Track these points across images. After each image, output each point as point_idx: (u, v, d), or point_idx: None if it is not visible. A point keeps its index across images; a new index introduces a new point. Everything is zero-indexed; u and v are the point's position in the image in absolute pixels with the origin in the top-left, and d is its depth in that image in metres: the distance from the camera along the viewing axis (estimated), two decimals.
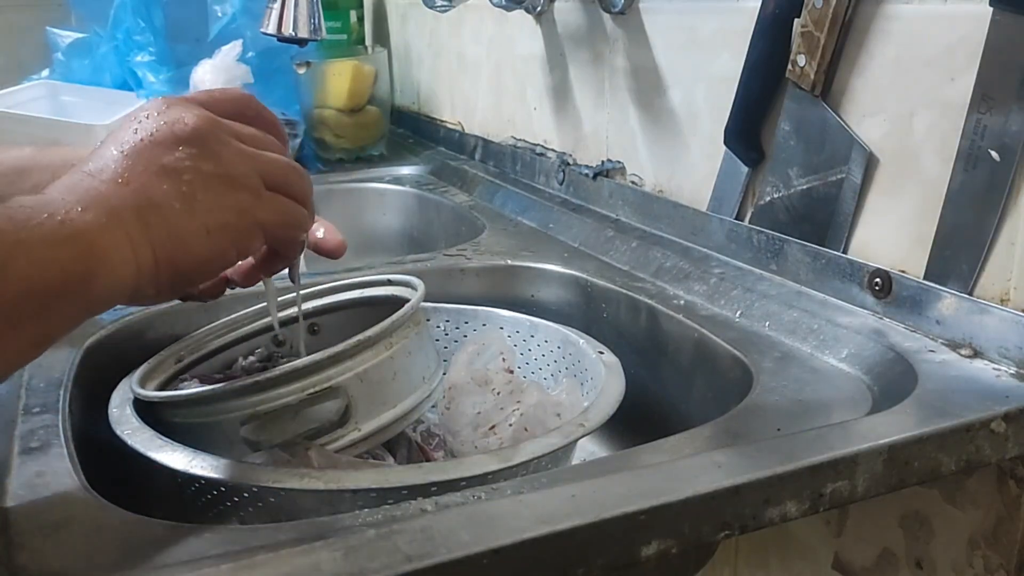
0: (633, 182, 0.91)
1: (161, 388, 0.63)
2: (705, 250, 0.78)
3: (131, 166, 0.45)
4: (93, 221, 0.42)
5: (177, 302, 0.66)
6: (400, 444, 0.62)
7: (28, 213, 0.40)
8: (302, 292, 0.73)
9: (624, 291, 0.76)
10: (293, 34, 0.83)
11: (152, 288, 0.45)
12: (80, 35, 1.41)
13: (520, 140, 1.13)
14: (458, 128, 1.32)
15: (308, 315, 0.72)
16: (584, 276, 0.81)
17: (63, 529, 0.42)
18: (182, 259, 0.45)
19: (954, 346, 0.58)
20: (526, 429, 0.61)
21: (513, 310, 0.75)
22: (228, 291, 0.59)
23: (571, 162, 1.01)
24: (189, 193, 0.45)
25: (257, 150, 0.49)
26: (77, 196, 0.43)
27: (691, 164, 0.83)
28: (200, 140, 0.46)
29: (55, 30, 1.43)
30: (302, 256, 0.60)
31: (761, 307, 0.68)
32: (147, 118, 0.47)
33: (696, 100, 0.82)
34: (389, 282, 0.69)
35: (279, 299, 0.72)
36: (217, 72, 1.20)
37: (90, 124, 1.19)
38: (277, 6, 0.83)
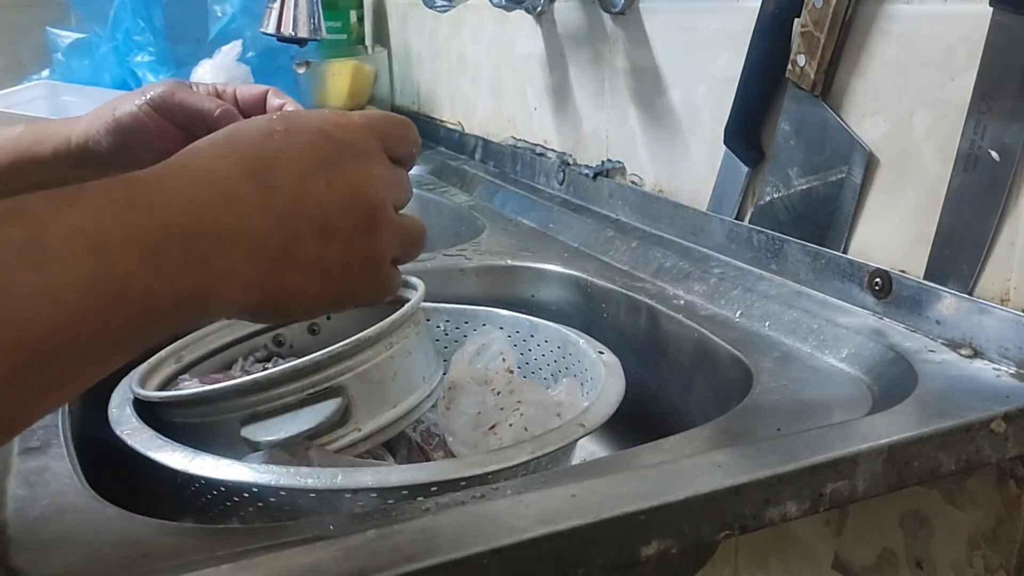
0: (633, 182, 0.91)
1: (161, 388, 0.63)
2: (705, 250, 0.78)
3: (295, 207, 0.40)
4: (223, 262, 0.37)
5: None
6: (400, 444, 0.62)
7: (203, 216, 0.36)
8: None
9: (624, 291, 0.76)
10: (293, 34, 0.83)
11: (240, 318, 0.43)
12: (80, 35, 1.41)
13: (520, 140, 1.13)
14: (458, 128, 1.32)
15: None
16: (584, 276, 0.81)
17: (63, 529, 0.42)
18: (284, 311, 0.42)
19: (954, 346, 0.58)
20: (526, 429, 0.61)
21: (513, 310, 0.75)
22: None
23: (571, 162, 1.01)
24: (329, 262, 0.41)
25: (405, 218, 0.46)
26: (207, 214, 0.37)
27: (691, 164, 0.83)
28: (373, 214, 0.42)
29: (55, 30, 1.43)
30: None
31: (761, 307, 0.68)
32: (338, 148, 0.42)
33: (696, 100, 0.82)
34: None
35: None
36: (217, 72, 1.20)
37: None
38: (277, 6, 0.83)
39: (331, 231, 0.41)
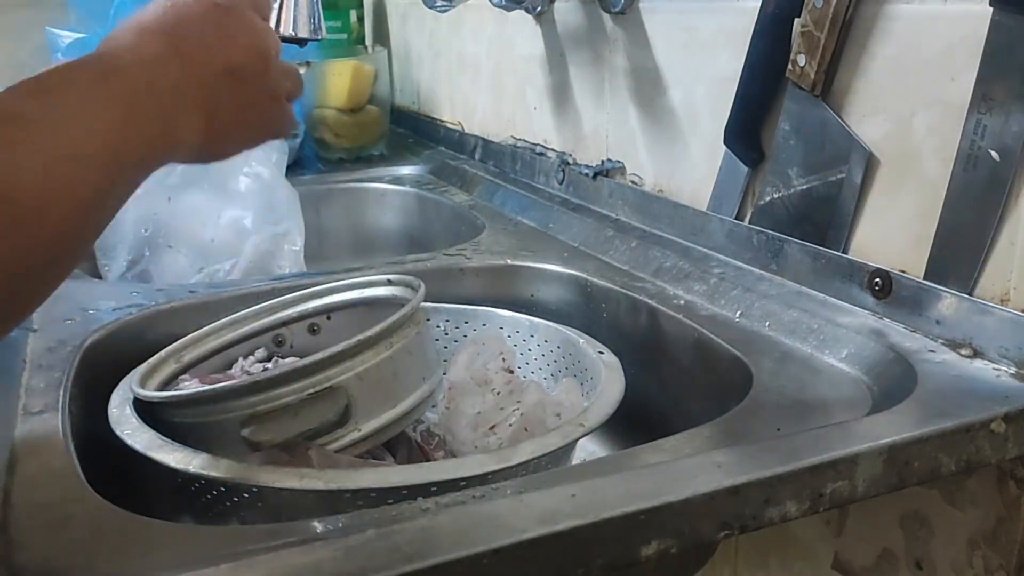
0: (633, 182, 0.91)
1: (161, 388, 0.63)
2: (705, 250, 0.78)
3: (212, 61, 0.50)
4: (177, 105, 0.47)
5: (178, 300, 0.67)
6: (400, 444, 0.62)
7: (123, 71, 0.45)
8: (302, 292, 0.73)
9: (624, 291, 0.76)
10: (293, 34, 0.83)
11: (187, 161, 0.52)
12: (80, 35, 1.41)
13: (520, 140, 1.13)
14: (458, 128, 1.32)
15: (308, 315, 0.72)
16: (584, 276, 0.81)
17: (63, 529, 0.42)
18: (222, 147, 0.53)
19: (954, 346, 0.58)
20: (526, 429, 0.61)
21: (513, 310, 0.75)
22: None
23: (571, 162, 1.01)
24: (247, 102, 0.52)
25: (286, 63, 0.56)
26: (167, 75, 0.47)
27: (691, 164, 0.83)
28: (266, 60, 0.53)
29: (55, 30, 1.43)
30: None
31: (761, 307, 0.68)
32: (227, 15, 0.51)
33: (696, 100, 0.82)
34: (389, 282, 0.69)
35: (280, 299, 0.72)
36: None
37: None
38: (277, 6, 0.83)
39: (242, 76, 0.51)
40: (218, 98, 0.50)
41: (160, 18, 0.49)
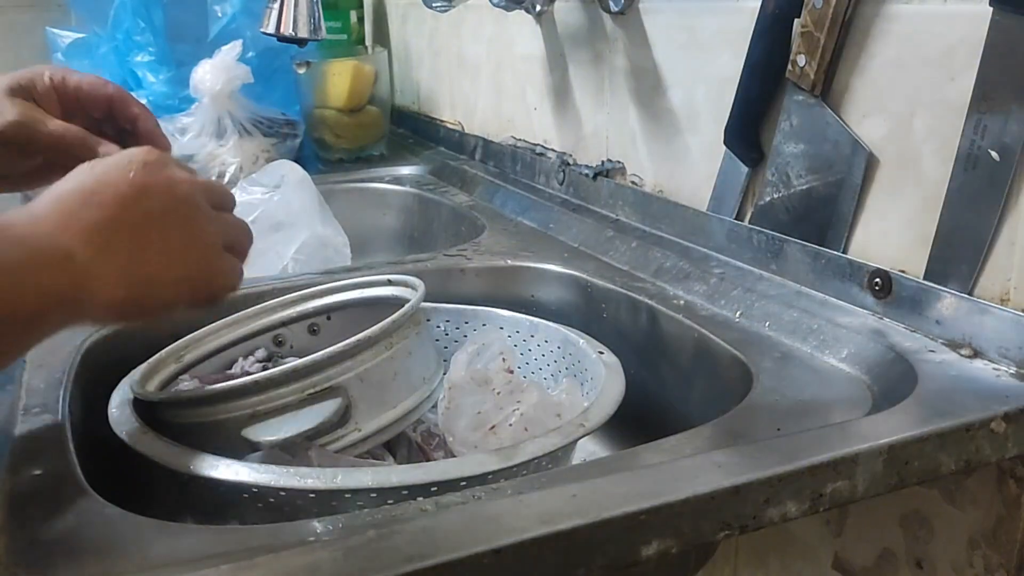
0: (633, 182, 0.91)
1: (161, 388, 0.63)
2: (705, 250, 0.78)
3: (124, 212, 0.47)
4: (84, 259, 0.44)
5: None
6: (400, 444, 0.62)
7: (24, 237, 0.43)
8: (302, 292, 0.73)
9: (624, 291, 0.76)
10: (293, 34, 0.83)
11: (113, 320, 0.50)
12: (80, 35, 1.41)
13: (520, 140, 1.13)
14: (458, 128, 1.32)
15: (308, 315, 0.72)
16: (584, 276, 0.81)
17: (63, 529, 0.42)
18: (148, 302, 0.48)
19: (954, 346, 0.58)
20: (526, 429, 0.61)
21: (513, 310, 0.75)
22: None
23: (571, 162, 1.01)
24: (168, 248, 0.49)
25: (223, 213, 0.54)
26: (72, 228, 0.45)
27: (691, 164, 0.83)
28: (186, 204, 0.50)
29: (55, 30, 1.43)
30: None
31: (761, 307, 0.68)
32: (143, 167, 0.49)
33: (696, 100, 0.82)
34: (389, 282, 0.69)
35: (280, 299, 0.72)
36: (217, 72, 1.20)
37: None
38: (277, 6, 0.83)
39: (162, 224, 0.49)
40: (133, 249, 0.47)
41: (74, 184, 0.48)
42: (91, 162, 0.50)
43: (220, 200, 0.54)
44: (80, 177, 0.48)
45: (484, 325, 0.74)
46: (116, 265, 0.46)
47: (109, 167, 0.49)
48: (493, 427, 0.62)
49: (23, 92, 0.61)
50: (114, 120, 0.64)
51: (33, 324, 0.43)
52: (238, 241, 0.54)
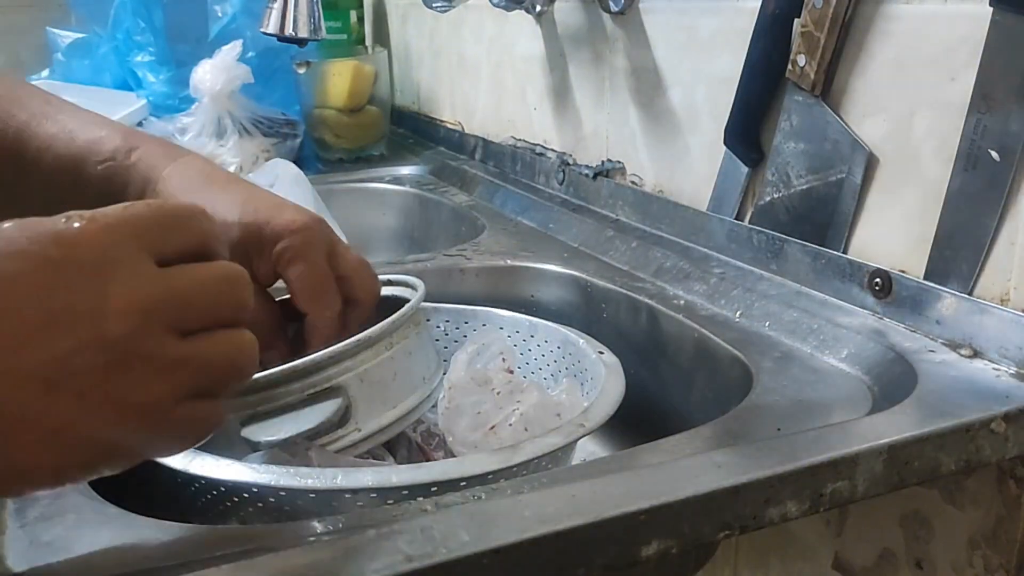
0: (633, 182, 0.91)
1: None
2: (705, 250, 0.78)
3: (14, 397, 0.32)
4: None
5: None
6: (400, 444, 0.62)
7: None
8: None
9: (624, 291, 0.76)
10: (293, 34, 0.83)
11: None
12: (80, 35, 1.41)
13: (520, 140, 1.13)
14: (458, 128, 1.32)
15: None
16: (584, 276, 0.81)
17: (63, 529, 0.42)
18: (15, 493, 0.38)
19: (954, 346, 0.58)
20: (526, 429, 0.61)
21: (513, 310, 0.75)
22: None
23: (571, 162, 1.01)
24: (66, 436, 0.34)
25: (195, 343, 0.36)
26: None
27: (691, 164, 0.83)
28: (113, 353, 0.34)
29: (55, 30, 1.43)
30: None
31: (761, 307, 0.68)
32: (56, 269, 0.34)
33: (696, 100, 0.82)
34: (389, 282, 0.69)
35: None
36: (217, 72, 1.20)
37: None
38: (277, 6, 0.83)
39: (57, 384, 0.33)
40: (15, 418, 0.32)
41: None
42: None
43: (203, 315, 0.37)
44: None
45: (484, 325, 0.74)
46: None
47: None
48: (493, 427, 0.62)
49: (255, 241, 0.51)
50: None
51: None
52: (220, 380, 0.38)
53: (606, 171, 0.94)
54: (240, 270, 0.39)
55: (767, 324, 0.66)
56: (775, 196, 0.72)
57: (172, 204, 0.42)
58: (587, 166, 0.97)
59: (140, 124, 1.28)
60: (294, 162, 1.23)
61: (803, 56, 0.67)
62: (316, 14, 0.84)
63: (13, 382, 0.32)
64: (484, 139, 1.22)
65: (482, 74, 1.22)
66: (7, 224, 0.34)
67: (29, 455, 0.33)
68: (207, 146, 1.21)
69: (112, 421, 0.34)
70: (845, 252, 0.67)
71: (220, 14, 1.32)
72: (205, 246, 0.38)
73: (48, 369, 0.33)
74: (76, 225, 0.34)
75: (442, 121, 1.38)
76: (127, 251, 0.35)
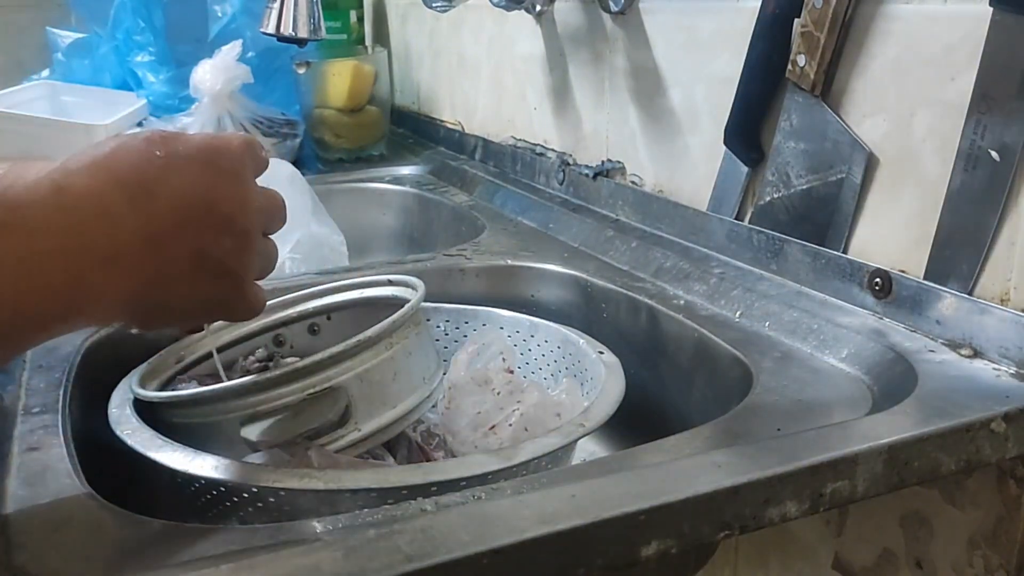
0: (633, 182, 0.91)
1: (161, 388, 0.63)
2: (705, 250, 0.78)
3: (159, 229, 0.43)
4: (99, 282, 0.41)
5: None
6: (400, 444, 0.62)
7: (33, 235, 0.39)
8: (302, 292, 0.73)
9: (624, 291, 0.76)
10: (293, 34, 0.83)
11: (112, 325, 0.46)
12: (80, 35, 1.41)
13: (520, 140, 1.13)
14: (458, 128, 1.32)
15: (308, 315, 0.72)
16: (584, 276, 0.81)
17: (63, 529, 0.42)
18: (154, 323, 0.47)
19: (954, 346, 0.58)
20: (526, 429, 0.61)
21: (513, 310, 0.75)
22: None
23: (571, 162, 1.01)
24: (195, 279, 0.45)
25: (270, 241, 0.50)
26: (87, 239, 0.40)
27: (691, 164, 0.83)
28: (236, 235, 0.46)
29: (55, 30, 1.43)
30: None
31: (761, 307, 0.68)
32: (206, 169, 0.44)
33: (696, 100, 0.82)
34: (389, 282, 0.69)
35: (280, 299, 0.72)
36: (217, 72, 1.20)
37: (90, 124, 1.19)
38: (277, 6, 0.83)
39: (206, 255, 0.44)
40: (154, 279, 0.43)
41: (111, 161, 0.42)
42: (120, 139, 0.44)
43: (274, 223, 0.50)
44: (110, 163, 0.42)
45: (484, 325, 0.74)
46: (127, 291, 0.42)
47: (170, 156, 0.43)
48: (493, 427, 0.62)
49: None
50: None
51: (30, 328, 0.40)
52: (265, 270, 0.51)
53: (606, 171, 0.94)
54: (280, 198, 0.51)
55: (767, 324, 0.66)
56: (775, 196, 0.72)
57: (253, 137, 0.52)
58: (587, 166, 0.97)
59: (140, 124, 1.28)
60: (294, 162, 1.23)
61: (803, 56, 0.67)
62: (316, 14, 0.84)
63: (175, 253, 0.43)
64: (484, 139, 1.22)
65: (482, 74, 1.22)
66: (152, 133, 0.44)
67: (174, 302, 0.45)
68: None
69: (226, 286, 0.46)
70: (845, 252, 0.67)
71: (220, 14, 1.32)
72: (263, 170, 0.50)
73: (202, 246, 0.44)
74: (222, 139, 0.46)
75: (442, 121, 1.38)
76: (249, 167, 0.47)
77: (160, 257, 0.43)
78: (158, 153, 0.43)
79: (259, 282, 0.50)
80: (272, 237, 0.51)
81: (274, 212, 0.50)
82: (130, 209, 0.42)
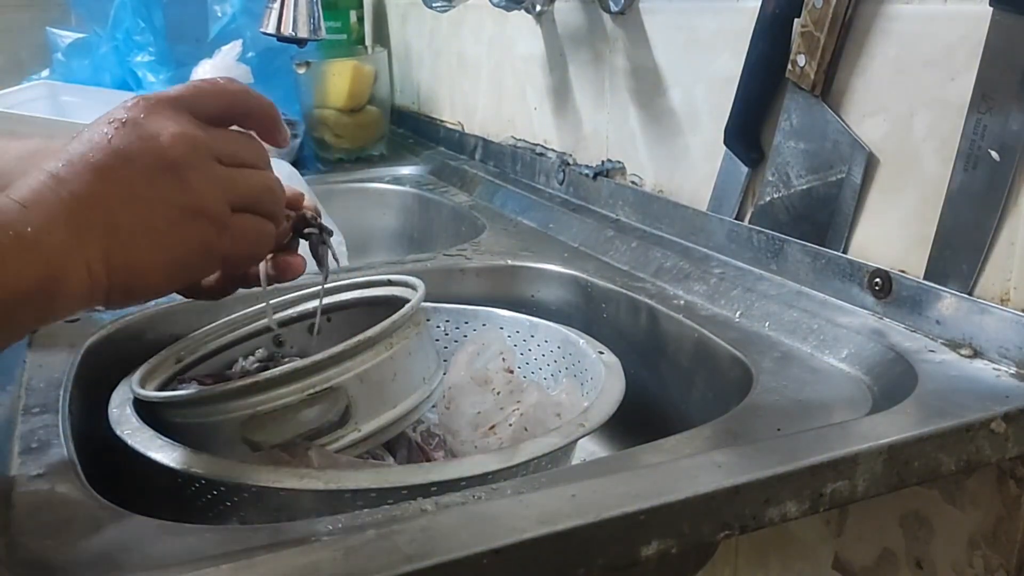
0: (633, 182, 0.91)
1: (161, 388, 0.63)
2: (705, 250, 0.78)
3: (100, 187, 0.43)
4: (55, 242, 0.41)
5: (178, 300, 0.67)
6: (400, 444, 0.62)
7: None
8: (302, 292, 0.73)
9: (624, 291, 0.76)
10: (293, 34, 0.83)
11: (102, 305, 0.45)
12: (80, 35, 1.41)
13: (520, 140, 1.13)
14: (458, 128, 1.32)
15: (308, 315, 0.72)
16: (584, 276, 0.81)
17: (63, 529, 0.42)
18: (136, 286, 0.45)
19: (954, 346, 0.58)
20: (526, 429, 0.61)
21: (513, 310, 0.75)
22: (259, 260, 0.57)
23: (571, 162, 1.01)
24: (153, 225, 0.44)
25: (232, 169, 0.47)
26: (42, 210, 0.41)
27: (691, 164, 0.83)
28: (173, 168, 0.45)
29: (55, 30, 1.43)
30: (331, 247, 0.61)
31: (761, 307, 0.68)
32: (123, 126, 0.45)
33: (696, 100, 0.82)
34: (389, 282, 0.69)
35: (280, 299, 0.72)
36: (217, 72, 1.20)
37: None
38: (277, 6, 0.83)
39: (137, 198, 0.44)
40: (111, 231, 0.43)
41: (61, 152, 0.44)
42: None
43: (234, 153, 0.48)
44: (65, 144, 0.44)
45: (484, 325, 0.74)
46: (92, 251, 0.42)
47: (91, 129, 0.45)
48: (493, 427, 0.62)
49: None
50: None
51: (6, 314, 0.40)
52: (259, 199, 0.48)
53: (606, 171, 0.94)
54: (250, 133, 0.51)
55: (767, 324, 0.66)
56: (775, 196, 0.72)
57: (209, 79, 0.51)
58: (587, 166, 0.97)
59: None
60: (294, 163, 1.23)
61: (803, 56, 0.67)
62: (316, 14, 0.84)
63: (112, 205, 0.43)
64: (484, 139, 1.22)
65: (482, 74, 1.22)
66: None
67: (145, 255, 0.44)
68: None
69: (189, 220, 0.45)
70: (845, 252, 0.67)
71: (220, 14, 1.32)
72: (232, 107, 0.50)
73: (133, 191, 0.44)
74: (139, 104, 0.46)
75: (442, 121, 1.38)
76: (174, 113, 0.46)
77: (108, 204, 0.43)
78: (77, 135, 0.45)
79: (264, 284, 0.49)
80: None
81: (225, 139, 0.48)
82: (54, 182, 0.43)
